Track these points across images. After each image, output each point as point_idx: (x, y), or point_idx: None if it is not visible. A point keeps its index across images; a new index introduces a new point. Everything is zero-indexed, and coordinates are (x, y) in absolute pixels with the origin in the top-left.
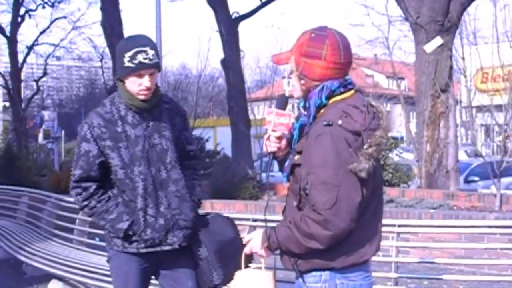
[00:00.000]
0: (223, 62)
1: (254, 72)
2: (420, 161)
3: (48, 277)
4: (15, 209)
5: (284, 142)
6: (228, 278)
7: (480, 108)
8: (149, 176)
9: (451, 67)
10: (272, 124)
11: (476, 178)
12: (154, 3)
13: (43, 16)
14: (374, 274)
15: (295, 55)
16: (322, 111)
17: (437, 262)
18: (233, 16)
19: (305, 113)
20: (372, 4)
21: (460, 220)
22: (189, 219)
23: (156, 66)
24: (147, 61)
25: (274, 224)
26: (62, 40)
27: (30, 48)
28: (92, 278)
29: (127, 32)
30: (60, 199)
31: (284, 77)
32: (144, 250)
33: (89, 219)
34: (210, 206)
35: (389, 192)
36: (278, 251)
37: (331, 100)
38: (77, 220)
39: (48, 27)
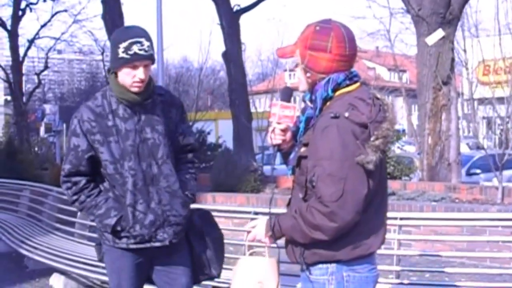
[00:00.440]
0: (225, 55)
1: (256, 65)
2: (422, 153)
3: (50, 270)
4: (17, 202)
5: (289, 134)
6: (221, 270)
7: (482, 101)
8: (140, 171)
9: (452, 60)
10: (277, 117)
11: (478, 171)
12: None
13: (44, 9)
14: None
15: (300, 48)
16: (328, 103)
17: (439, 255)
18: (235, 9)
19: (311, 106)
20: None
21: (462, 213)
22: (180, 216)
23: (151, 58)
24: (142, 52)
25: None
26: (63, 33)
27: (31, 42)
28: (93, 272)
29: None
30: (61, 192)
31: (285, 70)
32: (134, 246)
33: None
34: (212, 199)
35: (391, 185)
36: (283, 244)
37: (337, 93)
38: (79, 214)
39: (49, 21)
